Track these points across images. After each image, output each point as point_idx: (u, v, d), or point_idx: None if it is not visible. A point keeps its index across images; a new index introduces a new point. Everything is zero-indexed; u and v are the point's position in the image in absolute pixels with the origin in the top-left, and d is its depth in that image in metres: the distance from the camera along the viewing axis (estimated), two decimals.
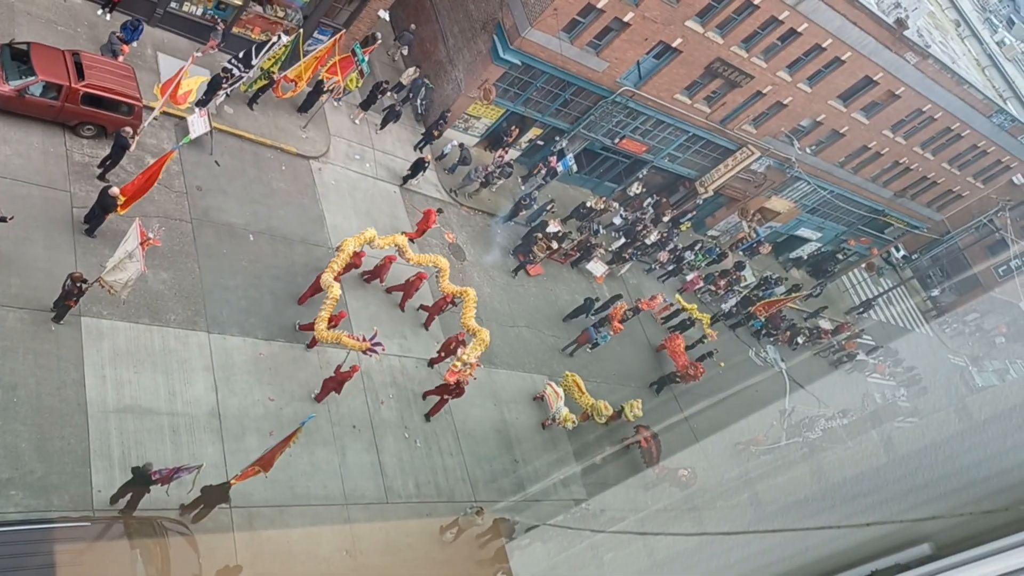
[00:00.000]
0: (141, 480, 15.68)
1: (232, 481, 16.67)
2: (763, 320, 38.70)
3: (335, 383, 20.61)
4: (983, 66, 40.95)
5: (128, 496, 16.00)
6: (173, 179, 21.81)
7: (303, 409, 20.20)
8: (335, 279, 21.72)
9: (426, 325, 25.08)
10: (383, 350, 21.47)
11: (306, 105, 26.34)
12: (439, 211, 26.68)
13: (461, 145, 30.51)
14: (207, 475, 17.15)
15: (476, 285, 27.82)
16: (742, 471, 30.25)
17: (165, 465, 16.19)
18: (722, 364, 33.11)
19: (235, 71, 23.42)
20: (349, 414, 21.51)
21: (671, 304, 34.85)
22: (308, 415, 18.15)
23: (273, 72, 24.38)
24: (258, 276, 22.11)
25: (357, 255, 23.14)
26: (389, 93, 29.36)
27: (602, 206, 34.55)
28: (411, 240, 25.67)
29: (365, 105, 28.50)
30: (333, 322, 21.28)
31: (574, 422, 25.22)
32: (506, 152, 31.43)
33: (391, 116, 28.53)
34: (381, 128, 28.76)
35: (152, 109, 21.43)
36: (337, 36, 24.66)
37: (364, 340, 21.02)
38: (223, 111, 24.40)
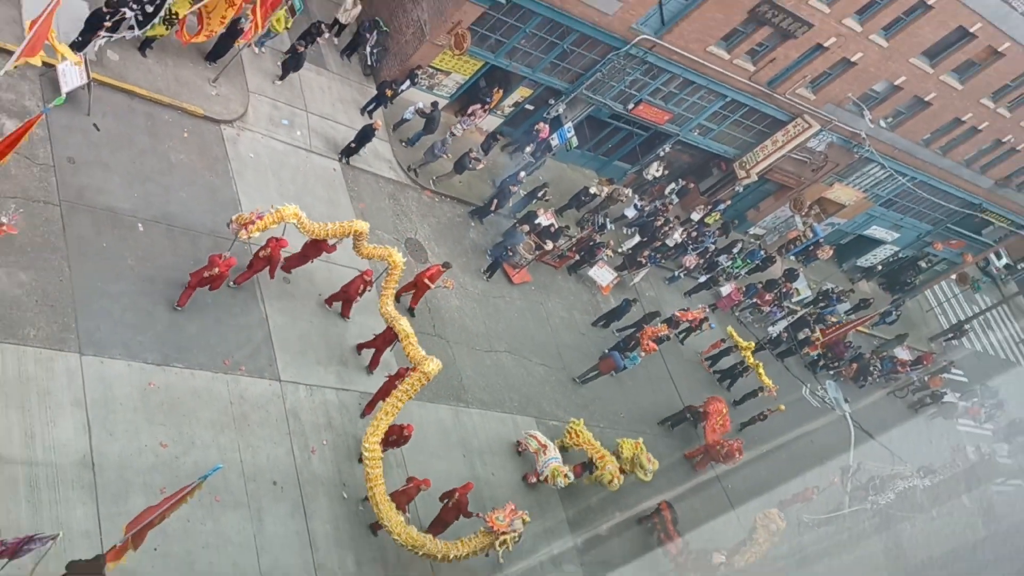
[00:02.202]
0: None
1: (108, 563, 16.45)
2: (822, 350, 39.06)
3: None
4: None
5: None
6: (36, 148, 21.63)
7: (207, 458, 20.04)
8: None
9: (344, 314, 25.40)
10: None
11: (217, 52, 26.23)
12: (446, 265, 26.57)
13: (434, 104, 30.48)
14: (76, 547, 16.95)
15: (441, 295, 27.81)
16: (794, 547, 30.39)
17: (19, 532, 15.97)
18: (782, 408, 33.27)
19: (127, 11, 23.15)
20: (268, 466, 21.37)
21: (722, 340, 35.27)
22: (214, 466, 17.99)
23: (179, 13, 24.18)
24: (150, 280, 21.95)
25: (322, 244, 23.78)
26: (329, 37, 29.31)
27: (609, 191, 34.72)
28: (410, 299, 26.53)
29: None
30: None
31: (567, 477, 25.06)
32: (483, 111, 31.45)
33: (292, 63, 28.02)
34: (281, 79, 28.44)
35: (9, 54, 21.24)
36: None
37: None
38: (105, 58, 24.26)
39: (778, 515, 28.53)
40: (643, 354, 31.25)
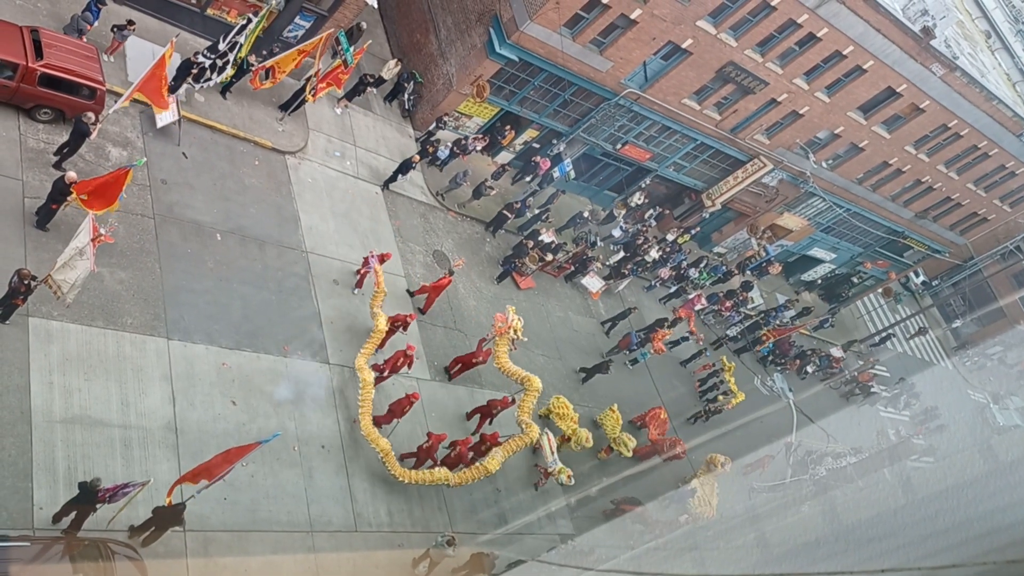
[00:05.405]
0: (88, 497, 15.50)
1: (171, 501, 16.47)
2: (771, 346, 38.87)
3: None
4: (1014, 81, 41.32)
5: (73, 515, 15.81)
6: (136, 172, 21.61)
7: (268, 426, 20.07)
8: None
9: (424, 309, 26.09)
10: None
11: (291, 101, 26.32)
12: (451, 272, 26.72)
13: (456, 140, 30.55)
14: (161, 496, 16.98)
15: (461, 296, 27.82)
16: (747, 507, 30.19)
17: (115, 481, 16.02)
18: (721, 399, 33.21)
19: (201, 58, 23.34)
20: (318, 433, 21.39)
21: (712, 363, 35.28)
22: (274, 432, 18.03)
23: (250, 60, 24.35)
24: (225, 279, 22.00)
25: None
26: (371, 90, 29.39)
27: (622, 208, 35.44)
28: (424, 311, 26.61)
29: (349, 96, 28.54)
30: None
31: (571, 477, 24.43)
32: (483, 139, 31.48)
33: (299, 93, 27.24)
34: (339, 99, 28.74)
35: (118, 95, 21.34)
36: (326, 33, 24.79)
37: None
38: (193, 99, 24.35)
39: (724, 457, 28.60)
40: (652, 352, 31.81)
